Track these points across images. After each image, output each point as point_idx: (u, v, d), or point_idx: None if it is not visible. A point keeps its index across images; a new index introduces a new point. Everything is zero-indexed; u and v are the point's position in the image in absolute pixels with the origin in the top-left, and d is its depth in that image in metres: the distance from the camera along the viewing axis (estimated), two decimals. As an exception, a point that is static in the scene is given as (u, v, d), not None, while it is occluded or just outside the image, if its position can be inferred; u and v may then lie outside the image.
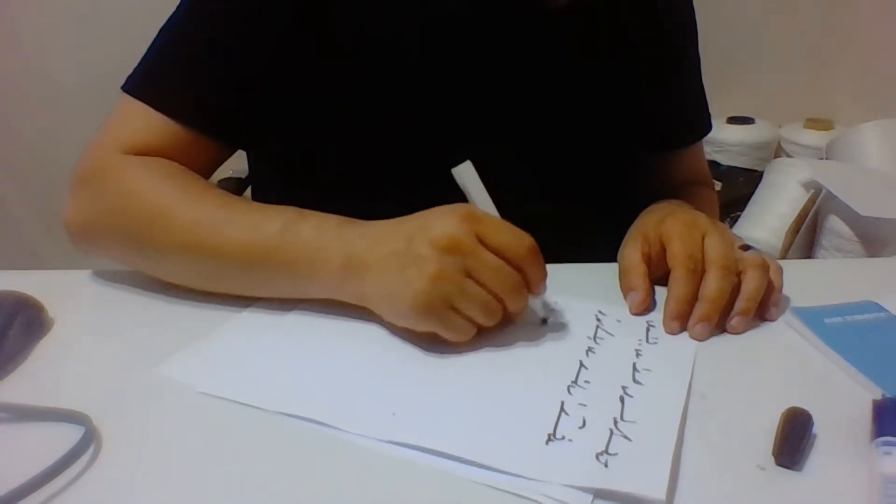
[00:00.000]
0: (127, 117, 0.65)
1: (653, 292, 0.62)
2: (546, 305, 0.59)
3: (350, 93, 0.68)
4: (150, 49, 0.66)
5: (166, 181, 0.61)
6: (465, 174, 0.56)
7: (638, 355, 0.55)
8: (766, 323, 0.59)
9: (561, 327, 0.58)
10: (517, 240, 0.53)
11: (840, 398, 0.50)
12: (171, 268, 0.61)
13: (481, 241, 0.52)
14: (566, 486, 0.41)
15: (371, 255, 0.54)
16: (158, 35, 0.66)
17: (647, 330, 0.58)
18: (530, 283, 0.54)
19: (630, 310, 0.61)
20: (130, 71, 0.66)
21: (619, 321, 0.59)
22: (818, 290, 0.63)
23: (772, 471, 0.43)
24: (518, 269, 0.53)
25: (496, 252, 0.52)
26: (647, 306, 0.61)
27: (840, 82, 1.88)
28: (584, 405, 0.48)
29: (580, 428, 0.46)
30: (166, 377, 0.52)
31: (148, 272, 0.63)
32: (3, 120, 1.67)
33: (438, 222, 0.52)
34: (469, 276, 0.51)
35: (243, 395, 0.49)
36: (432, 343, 0.54)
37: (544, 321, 0.57)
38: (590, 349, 0.55)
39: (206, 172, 0.69)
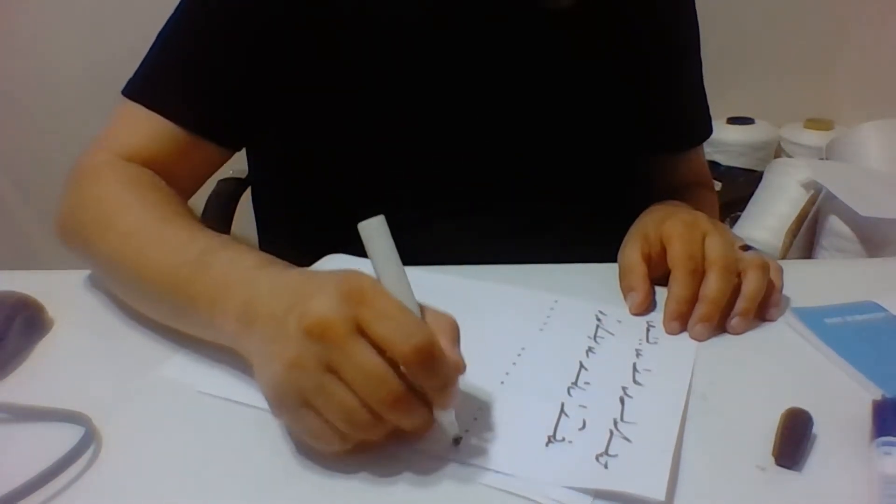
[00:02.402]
0: (126, 121, 0.65)
1: (653, 292, 0.62)
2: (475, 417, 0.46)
3: (349, 93, 0.68)
4: (149, 53, 0.67)
5: (127, 189, 0.60)
6: (372, 232, 0.42)
7: (638, 355, 0.55)
8: (767, 323, 0.59)
9: (561, 327, 0.58)
10: (403, 336, 0.39)
11: (840, 398, 0.50)
12: (105, 278, 0.60)
13: (362, 330, 0.40)
14: (566, 487, 0.41)
15: (262, 311, 0.44)
16: (157, 39, 0.66)
17: (648, 330, 0.58)
18: (427, 394, 0.41)
19: (630, 310, 0.60)
20: (131, 70, 0.66)
21: (619, 321, 0.59)
22: (818, 290, 0.63)
23: (772, 471, 0.43)
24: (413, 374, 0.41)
25: (378, 346, 0.40)
26: (647, 306, 0.61)
27: (840, 82, 1.87)
28: (584, 406, 0.48)
29: (580, 429, 0.46)
30: (166, 377, 0.52)
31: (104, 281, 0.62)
32: (3, 120, 1.67)
33: (316, 297, 0.41)
34: (334, 371, 0.40)
35: (243, 395, 0.49)
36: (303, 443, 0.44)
37: (456, 441, 0.44)
38: (590, 349, 0.55)
39: (205, 174, 0.69)
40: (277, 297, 0.44)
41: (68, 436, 0.44)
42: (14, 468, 0.42)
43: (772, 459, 0.44)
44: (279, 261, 0.50)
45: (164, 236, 0.55)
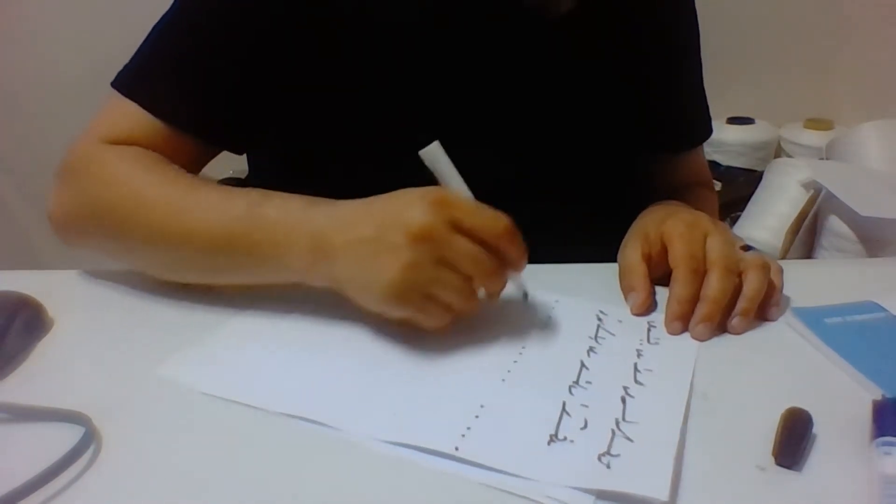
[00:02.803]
0: (114, 114, 0.65)
1: (654, 292, 0.61)
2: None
3: (350, 93, 0.68)
4: (141, 46, 0.66)
5: (138, 167, 0.61)
6: (434, 156, 0.54)
7: (639, 355, 0.54)
8: (767, 323, 0.59)
9: (562, 327, 0.58)
10: (492, 221, 0.52)
11: (840, 398, 0.50)
12: (140, 255, 0.61)
13: (455, 227, 0.51)
14: (568, 487, 0.41)
15: (340, 239, 0.52)
16: (151, 32, 0.66)
17: (649, 330, 0.58)
18: (510, 262, 0.53)
19: (631, 310, 0.60)
20: (129, 70, 0.66)
21: (620, 321, 0.59)
22: (818, 290, 0.63)
23: (772, 471, 0.43)
24: (495, 249, 0.52)
25: (471, 236, 0.51)
26: (648, 307, 0.61)
27: (840, 82, 1.87)
28: (586, 406, 0.48)
29: (582, 429, 0.46)
30: (166, 377, 0.52)
31: (126, 263, 0.62)
32: (2, 120, 1.67)
33: (410, 209, 0.51)
34: (443, 263, 0.51)
35: (243, 396, 0.49)
36: (405, 327, 0.54)
37: (525, 296, 0.58)
38: (591, 349, 0.55)
39: (192, 171, 0.68)
40: (354, 223, 0.52)
41: (68, 436, 0.44)
42: (14, 468, 0.42)
43: (772, 459, 0.44)
44: (322, 199, 0.56)
45: (201, 199, 0.58)
